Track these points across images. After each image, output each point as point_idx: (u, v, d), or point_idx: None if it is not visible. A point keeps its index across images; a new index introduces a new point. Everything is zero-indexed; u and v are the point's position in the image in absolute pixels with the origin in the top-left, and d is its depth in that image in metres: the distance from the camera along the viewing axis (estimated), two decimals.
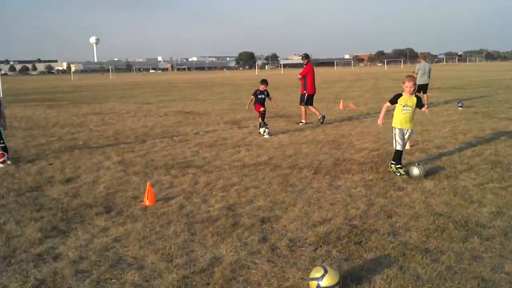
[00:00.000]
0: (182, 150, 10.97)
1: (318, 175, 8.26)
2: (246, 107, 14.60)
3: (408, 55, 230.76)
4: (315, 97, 15.70)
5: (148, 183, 6.98)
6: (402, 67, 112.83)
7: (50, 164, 9.70)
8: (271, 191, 7.31)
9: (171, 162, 9.66)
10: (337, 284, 4.02)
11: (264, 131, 12.75)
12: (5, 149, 9.89)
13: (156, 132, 14.05)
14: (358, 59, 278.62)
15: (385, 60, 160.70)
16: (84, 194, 7.42)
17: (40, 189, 7.77)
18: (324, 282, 3.99)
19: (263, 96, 13.50)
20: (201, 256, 4.90)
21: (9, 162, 9.75)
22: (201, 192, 7.34)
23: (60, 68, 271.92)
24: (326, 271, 4.04)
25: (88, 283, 4.34)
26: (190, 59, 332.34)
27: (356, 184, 7.62)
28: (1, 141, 9.85)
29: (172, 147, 11.41)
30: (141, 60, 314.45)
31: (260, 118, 13.35)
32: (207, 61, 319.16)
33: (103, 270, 4.63)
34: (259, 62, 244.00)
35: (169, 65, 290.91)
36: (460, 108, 17.98)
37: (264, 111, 13.38)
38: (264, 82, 13.58)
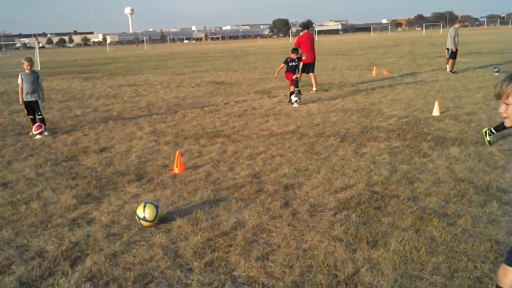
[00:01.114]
0: (211, 120, 11.20)
1: (344, 143, 8.36)
2: (275, 76, 14.67)
3: (448, 19, 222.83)
4: (317, 65, 16.33)
5: (177, 152, 7.25)
6: (441, 32, 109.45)
7: (85, 135, 10.11)
8: (296, 159, 7.48)
9: (201, 132, 9.92)
10: (155, 216, 5.05)
11: (296, 101, 12.70)
12: (42, 120, 10.34)
13: (188, 103, 14.32)
14: (396, 24, 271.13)
15: (424, 25, 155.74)
16: (117, 163, 7.77)
17: (75, 158, 8.16)
18: (146, 215, 5.02)
19: (294, 64, 13.45)
20: (225, 221, 5.15)
21: (46, 133, 10.20)
22: (228, 161, 7.57)
23: (96, 40, 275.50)
24: (145, 206, 5.04)
25: (119, 245, 4.65)
26: (224, 28, 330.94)
27: (382, 151, 7.69)
28: (39, 113, 10.29)
29: (202, 117, 11.66)
30: (175, 30, 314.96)
31: (292, 87, 13.27)
32: (241, 30, 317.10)
33: (133, 233, 4.93)
34: (293, 29, 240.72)
35: (203, 35, 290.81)
36: (496, 74, 17.54)
37: (297, 78, 13.32)
38: (295, 50, 13.56)
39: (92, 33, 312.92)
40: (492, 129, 7.77)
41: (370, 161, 7.18)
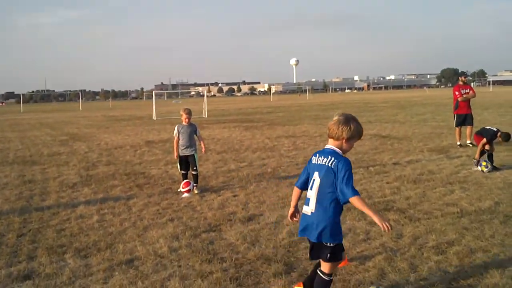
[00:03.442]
0: (379, 185, 9.31)
1: None
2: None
3: None
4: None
5: None
6: None
7: (234, 196, 8.93)
8: (508, 259, 5.25)
9: (368, 201, 8.09)
10: None
11: (483, 171, 10.12)
12: (196, 177, 9.47)
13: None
14: None
15: None
16: (264, 240, 6.30)
17: (218, 228, 6.89)
18: None
19: (492, 131, 10.62)
20: None
21: (196, 191, 9.27)
22: (407, 252, 5.63)
23: (262, 89, 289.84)
24: None
25: None
26: (387, 78, 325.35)
27: None
28: (194, 168, 9.44)
29: (368, 181, 9.82)
30: (337, 80, 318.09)
31: (477, 154, 10.70)
32: (405, 79, 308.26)
33: None
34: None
35: (365, 84, 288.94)
36: None
37: (486, 150, 10.59)
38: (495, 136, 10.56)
39: (258, 83, 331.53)
40: None
41: None
